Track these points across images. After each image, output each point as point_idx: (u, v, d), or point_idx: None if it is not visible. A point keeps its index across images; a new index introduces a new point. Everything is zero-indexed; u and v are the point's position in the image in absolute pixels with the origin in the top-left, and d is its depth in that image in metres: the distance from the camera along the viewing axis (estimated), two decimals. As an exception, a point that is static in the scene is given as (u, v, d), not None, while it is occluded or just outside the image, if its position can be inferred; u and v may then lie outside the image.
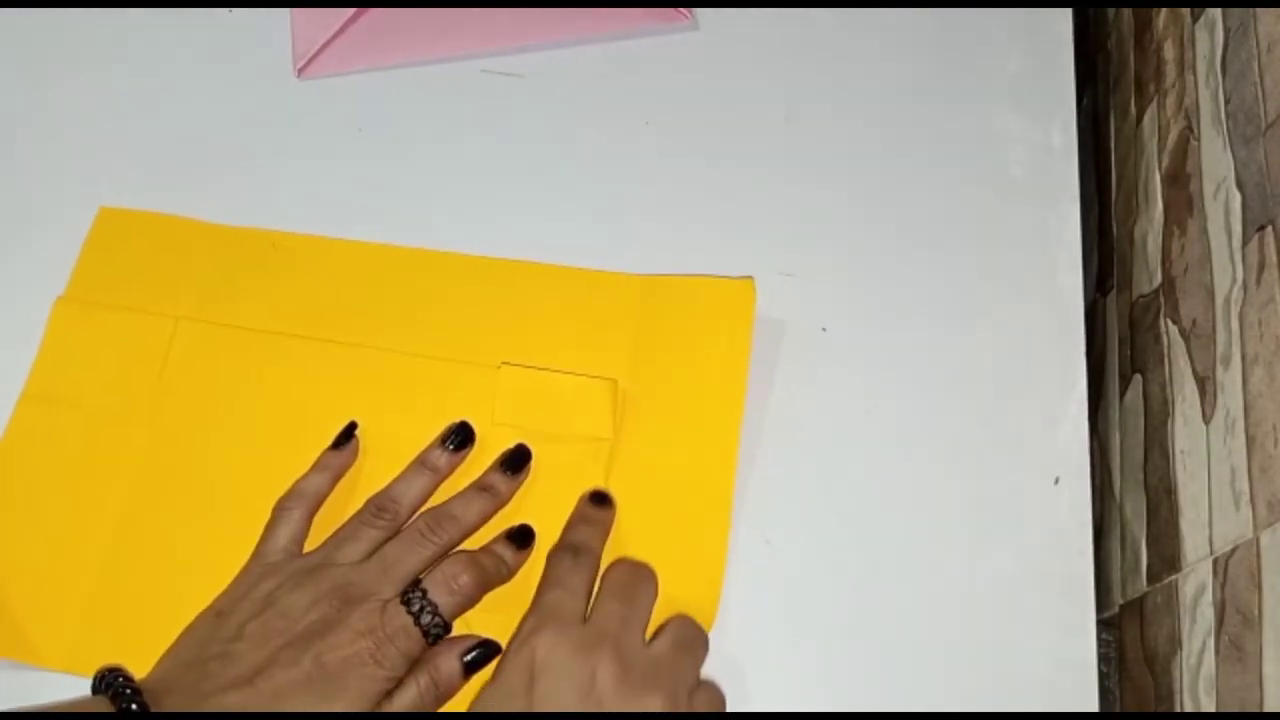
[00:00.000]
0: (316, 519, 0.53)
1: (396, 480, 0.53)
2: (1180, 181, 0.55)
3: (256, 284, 0.59)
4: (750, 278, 0.58)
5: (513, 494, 0.54)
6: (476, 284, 0.59)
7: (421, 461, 0.54)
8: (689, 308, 0.58)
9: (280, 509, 0.52)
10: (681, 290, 0.58)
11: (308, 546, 0.52)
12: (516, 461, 0.54)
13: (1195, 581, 0.49)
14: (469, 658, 0.49)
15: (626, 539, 0.54)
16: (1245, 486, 0.45)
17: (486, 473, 0.54)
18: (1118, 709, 0.57)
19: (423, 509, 0.53)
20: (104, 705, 0.45)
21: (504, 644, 0.49)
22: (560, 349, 0.57)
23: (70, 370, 0.57)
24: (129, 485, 0.55)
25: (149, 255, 0.60)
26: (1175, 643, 0.51)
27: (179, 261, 0.60)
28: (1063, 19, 0.64)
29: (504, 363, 0.56)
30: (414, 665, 0.48)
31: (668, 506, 0.54)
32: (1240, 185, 0.48)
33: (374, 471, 0.54)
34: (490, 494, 0.53)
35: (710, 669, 0.52)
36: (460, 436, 0.54)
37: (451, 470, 0.54)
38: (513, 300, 0.59)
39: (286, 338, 0.58)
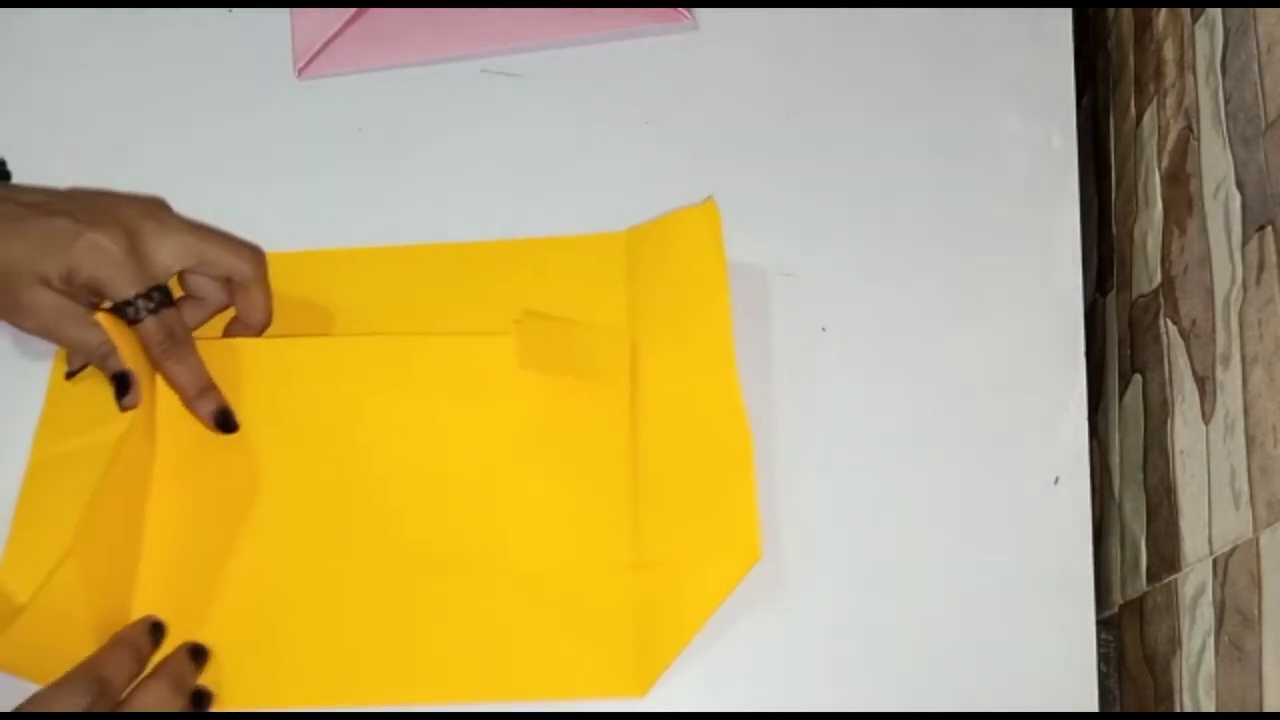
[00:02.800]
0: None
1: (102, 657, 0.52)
2: (1180, 181, 0.55)
3: None
4: (711, 198, 0.58)
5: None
6: (463, 269, 0.60)
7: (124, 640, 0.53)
8: (666, 243, 0.59)
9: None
10: (656, 232, 0.59)
11: None
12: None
13: (1195, 581, 0.49)
14: None
15: (657, 483, 0.55)
16: (1245, 486, 0.45)
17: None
18: (1118, 709, 0.57)
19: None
20: None
21: None
22: (562, 314, 0.58)
23: (78, 418, 0.56)
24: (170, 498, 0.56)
25: None
26: (1175, 643, 0.51)
27: None
28: (1063, 19, 0.64)
29: (525, 312, 0.57)
30: None
31: (688, 445, 0.55)
32: (1240, 185, 0.48)
33: (385, 470, 0.56)
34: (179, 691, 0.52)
35: (710, 669, 0.52)
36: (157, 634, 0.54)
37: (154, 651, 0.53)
38: (504, 277, 0.60)
39: (285, 340, 0.58)
